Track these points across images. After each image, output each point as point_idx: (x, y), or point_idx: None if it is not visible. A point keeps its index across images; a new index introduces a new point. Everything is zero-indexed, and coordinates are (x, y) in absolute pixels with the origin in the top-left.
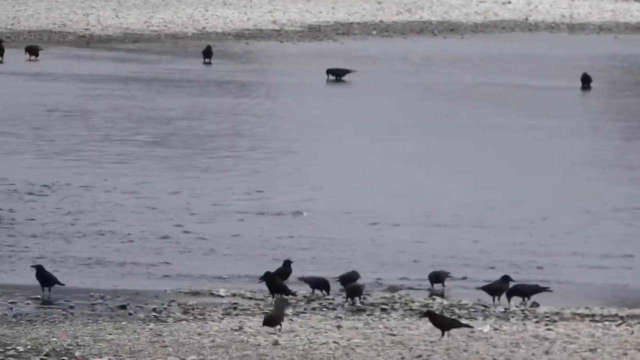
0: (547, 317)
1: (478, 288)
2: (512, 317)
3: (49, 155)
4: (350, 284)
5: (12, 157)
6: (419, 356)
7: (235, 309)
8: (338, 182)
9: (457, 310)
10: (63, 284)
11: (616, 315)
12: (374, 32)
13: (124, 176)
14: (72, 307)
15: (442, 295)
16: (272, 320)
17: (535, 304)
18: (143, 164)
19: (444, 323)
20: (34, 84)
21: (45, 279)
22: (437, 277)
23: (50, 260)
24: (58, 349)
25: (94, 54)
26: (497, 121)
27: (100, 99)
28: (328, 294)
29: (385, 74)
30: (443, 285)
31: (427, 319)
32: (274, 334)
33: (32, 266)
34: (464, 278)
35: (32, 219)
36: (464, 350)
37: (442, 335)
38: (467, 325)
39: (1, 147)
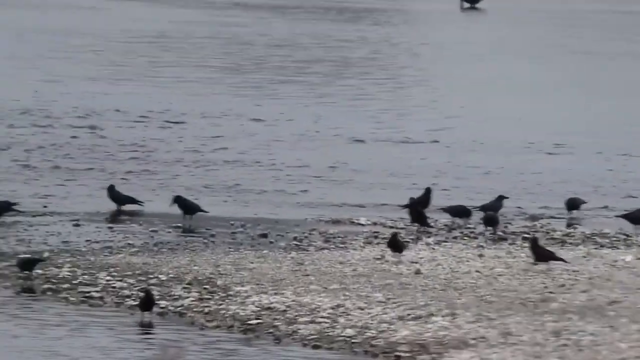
0: None
1: (618, 216)
2: None
3: (170, 85)
4: (488, 212)
5: (128, 85)
6: (562, 285)
7: (376, 237)
8: (474, 110)
9: (598, 240)
10: (207, 212)
11: None
12: None
13: (258, 105)
14: (213, 236)
15: (581, 225)
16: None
17: None
18: (281, 91)
19: (541, 253)
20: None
21: (187, 206)
22: (573, 204)
23: (191, 188)
24: (200, 278)
25: None
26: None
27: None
28: (469, 222)
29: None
30: (578, 210)
31: (529, 244)
32: (416, 262)
33: (174, 196)
34: (605, 207)
35: (169, 150)
36: (607, 280)
37: (535, 264)
38: (562, 260)
39: (117, 76)
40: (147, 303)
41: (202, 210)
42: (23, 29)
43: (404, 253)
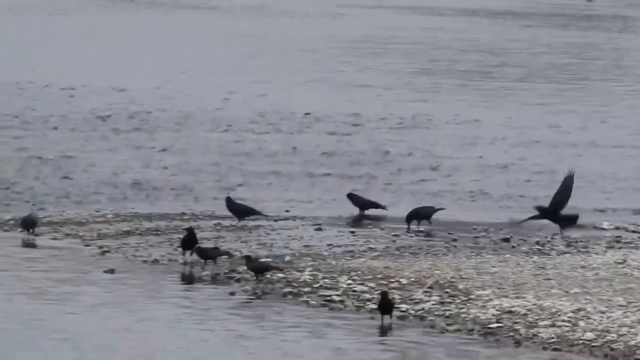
0: None
1: None
2: None
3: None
4: None
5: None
6: None
7: (618, 242)
8: None
9: None
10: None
11: None
12: None
13: (499, 110)
14: (454, 240)
15: None
16: None
17: None
18: (516, 98)
19: None
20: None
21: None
22: None
23: (435, 194)
24: (441, 282)
25: None
26: None
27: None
28: None
29: None
30: None
31: None
32: None
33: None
34: None
35: (410, 153)
36: None
37: None
38: None
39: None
40: (385, 306)
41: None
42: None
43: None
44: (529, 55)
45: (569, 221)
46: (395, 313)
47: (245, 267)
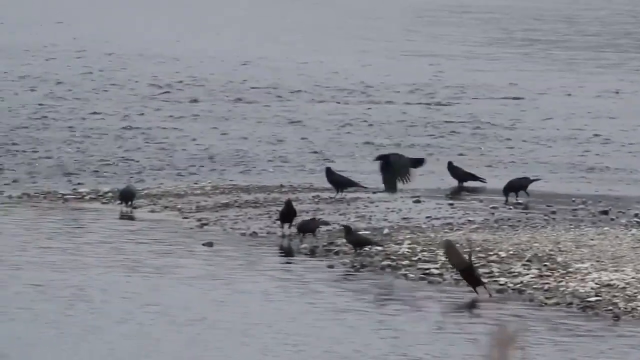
0: None
1: None
2: None
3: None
4: None
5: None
6: None
7: None
8: None
9: None
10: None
11: None
12: None
13: (591, 80)
14: (553, 213)
15: None
16: None
17: None
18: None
19: None
20: None
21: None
22: None
23: (525, 165)
24: (540, 255)
25: None
26: None
27: None
28: None
29: None
30: None
31: None
32: None
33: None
34: None
35: (508, 126)
36: None
37: None
38: None
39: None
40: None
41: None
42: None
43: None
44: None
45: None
46: (494, 286)
47: (344, 240)
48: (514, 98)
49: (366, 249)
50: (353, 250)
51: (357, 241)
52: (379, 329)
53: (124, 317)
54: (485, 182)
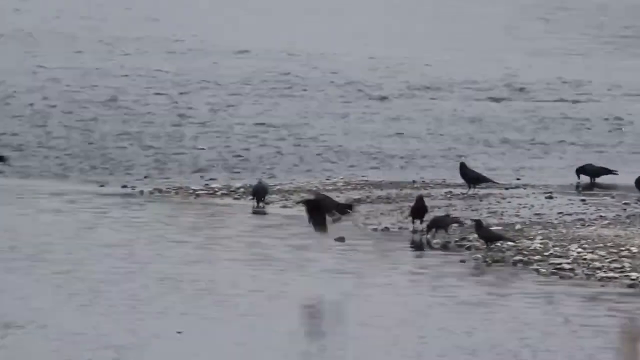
0: None
1: None
2: None
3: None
4: None
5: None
6: None
7: None
8: None
9: None
10: (489, 180)
11: None
12: None
13: None
14: None
15: None
16: None
17: None
18: None
19: None
20: None
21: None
22: None
23: None
24: None
25: None
26: None
27: None
28: None
29: None
30: None
31: None
32: None
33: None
34: None
35: None
36: None
37: None
38: None
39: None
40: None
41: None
42: None
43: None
44: None
45: None
46: (625, 281)
47: (475, 235)
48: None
49: (498, 244)
50: (485, 246)
51: (489, 236)
52: (513, 323)
53: (253, 310)
54: (617, 174)
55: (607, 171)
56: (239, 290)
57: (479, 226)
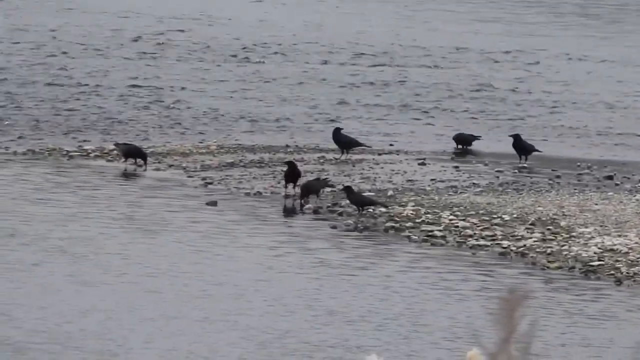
0: None
1: None
2: None
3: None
4: None
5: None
6: None
7: None
8: None
9: None
10: (539, 151)
11: None
12: None
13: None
14: (558, 177)
15: None
16: None
17: None
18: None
19: None
20: None
21: (522, 148)
22: None
23: (536, 129)
24: (543, 219)
25: None
26: None
27: None
28: None
29: None
30: None
31: None
32: None
33: (510, 135)
34: None
35: (520, 90)
36: None
37: None
38: None
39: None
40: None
41: (536, 150)
42: None
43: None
44: None
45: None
46: (497, 249)
47: (347, 201)
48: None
49: (370, 209)
50: (357, 211)
51: (361, 201)
52: (381, 288)
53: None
54: (480, 138)
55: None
56: (95, 250)
57: (349, 191)
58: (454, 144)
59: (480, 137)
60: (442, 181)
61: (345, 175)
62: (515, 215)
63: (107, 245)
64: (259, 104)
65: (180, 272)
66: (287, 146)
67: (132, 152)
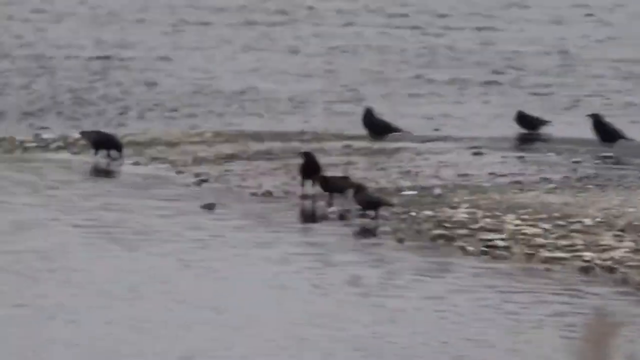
0: None
1: None
2: None
3: None
4: None
5: None
6: None
7: None
8: None
9: None
10: (630, 139)
11: None
12: None
13: None
14: None
15: None
16: None
17: None
18: None
19: None
20: None
21: (604, 132)
22: None
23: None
24: (636, 223)
25: None
26: None
27: None
28: None
29: None
30: None
31: None
32: None
33: (589, 115)
34: None
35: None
36: None
37: None
38: None
39: None
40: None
41: (623, 137)
42: None
43: None
44: None
45: None
46: (577, 263)
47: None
48: None
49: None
50: (362, 213)
51: (367, 202)
52: (432, 316)
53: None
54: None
55: (540, 122)
56: (52, 266)
57: (360, 189)
58: (517, 127)
59: (549, 122)
60: (504, 175)
61: (378, 170)
62: (599, 219)
63: (69, 260)
64: (267, 78)
65: (165, 293)
66: (303, 132)
67: (103, 142)
